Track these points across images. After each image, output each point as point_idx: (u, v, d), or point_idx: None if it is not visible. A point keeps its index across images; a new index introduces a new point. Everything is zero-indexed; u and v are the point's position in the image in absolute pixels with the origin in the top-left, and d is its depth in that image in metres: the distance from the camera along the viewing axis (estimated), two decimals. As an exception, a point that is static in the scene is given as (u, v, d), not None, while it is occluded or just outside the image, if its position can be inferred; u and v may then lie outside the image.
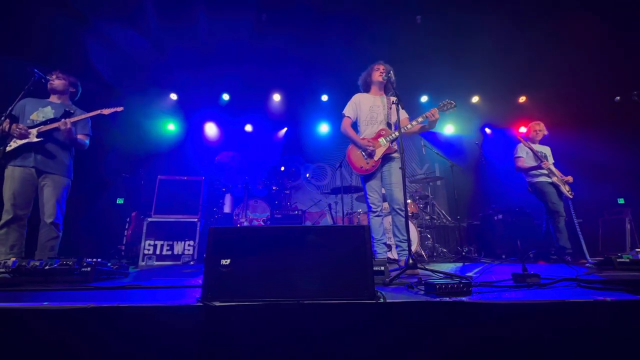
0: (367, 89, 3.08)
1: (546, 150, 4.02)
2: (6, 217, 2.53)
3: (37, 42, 4.31)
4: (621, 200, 4.78)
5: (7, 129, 2.54)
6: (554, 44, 5.12)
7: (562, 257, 3.26)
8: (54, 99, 2.91)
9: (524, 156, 3.93)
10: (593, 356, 1.04)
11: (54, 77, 2.88)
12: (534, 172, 3.84)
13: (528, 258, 3.88)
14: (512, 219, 4.49)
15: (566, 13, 4.66)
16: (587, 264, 2.51)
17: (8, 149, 2.56)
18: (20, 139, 2.60)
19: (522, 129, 6.73)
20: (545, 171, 3.77)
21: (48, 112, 2.79)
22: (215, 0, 4.66)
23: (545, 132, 4.06)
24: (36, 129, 2.66)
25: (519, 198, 5.16)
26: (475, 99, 6.59)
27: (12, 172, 2.60)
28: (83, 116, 2.85)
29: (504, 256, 4.39)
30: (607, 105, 3.89)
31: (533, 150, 3.86)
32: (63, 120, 2.70)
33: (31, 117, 2.73)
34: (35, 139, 2.63)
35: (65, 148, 2.84)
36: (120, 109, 2.93)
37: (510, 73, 5.75)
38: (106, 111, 2.88)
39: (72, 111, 2.83)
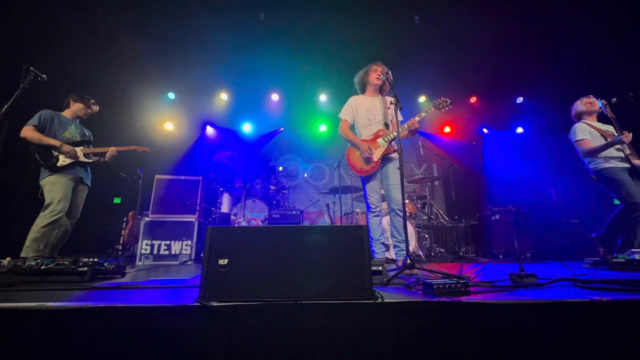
0: (362, 89, 3.06)
1: (609, 129, 3.23)
2: (53, 217, 2.72)
3: (33, 42, 4.28)
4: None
5: (61, 147, 2.90)
6: (552, 45, 5.15)
7: None
8: (70, 115, 3.18)
9: (589, 137, 3.18)
10: (589, 356, 1.04)
11: (94, 107, 3.28)
12: (603, 154, 3.08)
13: (525, 258, 3.89)
14: (509, 219, 4.51)
15: (565, 13, 4.69)
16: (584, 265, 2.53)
17: (62, 163, 2.90)
18: (72, 158, 2.96)
19: (520, 130, 6.77)
20: (620, 153, 3.05)
21: (73, 132, 3.13)
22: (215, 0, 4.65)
23: (599, 108, 3.27)
24: (81, 149, 3.07)
25: (516, 198, 5.18)
26: (473, 100, 6.61)
27: (60, 179, 2.88)
28: (121, 148, 3.26)
29: (501, 256, 4.42)
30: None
31: (598, 128, 3.18)
32: (113, 148, 3.21)
33: (64, 134, 3.04)
34: (83, 159, 3.06)
35: None
36: (146, 149, 3.44)
37: (508, 74, 5.78)
38: (138, 149, 3.37)
39: (91, 139, 3.29)
